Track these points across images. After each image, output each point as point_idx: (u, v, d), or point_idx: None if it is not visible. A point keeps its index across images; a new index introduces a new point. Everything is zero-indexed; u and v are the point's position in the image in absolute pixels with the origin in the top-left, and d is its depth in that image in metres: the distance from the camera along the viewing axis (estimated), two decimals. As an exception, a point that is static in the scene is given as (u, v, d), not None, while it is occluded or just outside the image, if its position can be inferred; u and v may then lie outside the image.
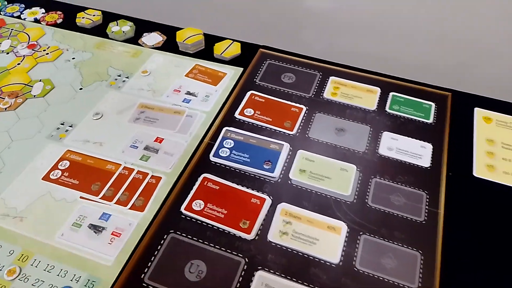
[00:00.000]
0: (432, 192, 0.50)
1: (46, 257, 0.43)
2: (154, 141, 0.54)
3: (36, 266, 0.42)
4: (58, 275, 0.41)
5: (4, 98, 0.60)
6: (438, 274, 0.43)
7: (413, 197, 0.49)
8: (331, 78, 0.64)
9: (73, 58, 0.67)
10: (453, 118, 0.58)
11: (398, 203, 0.49)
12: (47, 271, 0.42)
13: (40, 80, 0.63)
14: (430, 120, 0.58)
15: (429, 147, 0.55)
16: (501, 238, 0.46)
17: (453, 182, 0.51)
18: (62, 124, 0.56)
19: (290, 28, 0.89)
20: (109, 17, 0.74)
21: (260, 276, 0.42)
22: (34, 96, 0.60)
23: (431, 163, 0.53)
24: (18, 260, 0.43)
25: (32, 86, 0.62)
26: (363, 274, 0.42)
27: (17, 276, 0.41)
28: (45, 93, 0.61)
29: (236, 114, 0.58)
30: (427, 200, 0.49)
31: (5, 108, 0.58)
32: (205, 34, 0.69)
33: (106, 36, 0.71)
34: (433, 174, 0.52)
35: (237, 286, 0.41)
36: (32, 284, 0.41)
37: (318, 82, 0.63)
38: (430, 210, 0.48)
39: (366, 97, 0.61)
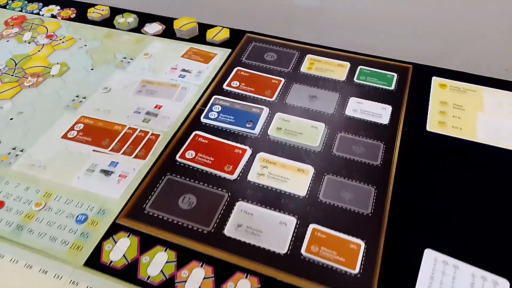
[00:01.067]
0: (388, 143, 0.59)
1: (65, 194, 0.52)
2: (154, 107, 0.64)
3: (57, 201, 0.52)
4: (75, 206, 0.51)
5: (27, 78, 0.70)
6: (388, 204, 0.51)
7: (372, 147, 0.58)
8: (308, 55, 0.73)
9: (85, 45, 0.77)
10: (412, 85, 0.67)
11: (359, 151, 0.58)
12: (67, 204, 0.51)
13: (57, 63, 0.73)
14: (392, 87, 0.67)
15: (389, 108, 0.64)
16: (444, 178, 0.54)
17: (407, 135, 0.60)
18: (76, 96, 0.67)
19: (277, 19, 0.99)
20: (115, 11, 0.84)
21: (240, 205, 0.51)
22: (53, 75, 0.71)
23: (389, 121, 0.62)
24: (43, 196, 0.52)
25: (50, 68, 0.72)
26: (325, 204, 0.51)
27: (43, 207, 0.51)
28: (62, 73, 0.71)
29: (224, 86, 0.68)
30: (384, 149, 0.58)
31: (29, 86, 0.69)
32: (198, 23, 0.79)
33: (113, 27, 0.81)
34: (390, 129, 0.61)
35: (221, 212, 0.50)
36: (55, 213, 0.50)
37: (296, 59, 0.73)
38: (385, 156, 0.57)
39: (337, 70, 0.70)
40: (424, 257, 0.46)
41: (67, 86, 0.69)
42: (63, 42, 0.78)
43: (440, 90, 0.67)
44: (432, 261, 0.46)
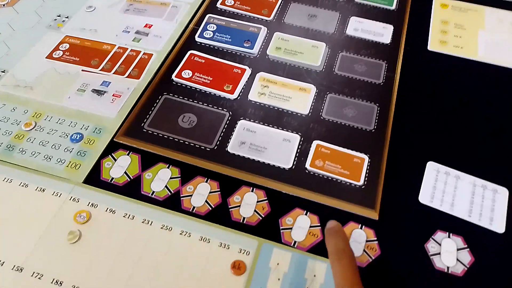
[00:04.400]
0: (390, 62, 0.57)
1: (57, 113, 0.50)
2: (144, 26, 0.60)
3: (49, 121, 0.49)
4: (69, 125, 0.49)
5: (1, -4, 0.64)
6: (391, 120, 0.51)
7: (374, 66, 0.56)
8: (305, -26, 0.69)
9: (62, -38, 0.70)
10: (413, 5, 0.65)
11: (361, 70, 0.56)
12: (59, 124, 0.49)
13: (32, -20, 0.67)
14: (393, 7, 0.64)
15: (390, 27, 0.61)
16: (445, 96, 0.54)
17: (409, 54, 0.58)
18: (58, 16, 0.61)
19: None
20: None
21: (242, 123, 0.50)
22: (29, -6, 0.65)
23: (391, 40, 0.60)
24: (33, 117, 0.49)
25: (26, -14, 0.66)
26: (328, 121, 0.51)
27: (33, 127, 0.48)
28: (39, -9, 0.65)
29: (218, 4, 0.64)
30: (386, 68, 0.56)
31: (4, 4, 0.63)
32: None
33: None
34: (392, 48, 0.59)
35: (223, 130, 0.49)
36: (47, 133, 0.48)
37: (293, -22, 0.69)
38: (387, 75, 0.56)
39: (337, -11, 0.67)
40: (427, 169, 0.47)
41: (46, 5, 0.63)
42: (36, -42, 0.71)
43: (442, 10, 0.65)
44: (435, 172, 0.46)
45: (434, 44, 0.60)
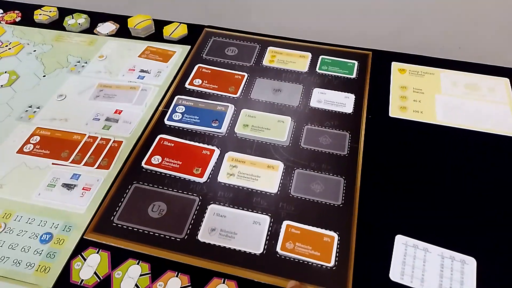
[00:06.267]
0: (353, 132, 0.59)
1: (26, 213, 0.50)
2: (114, 113, 0.61)
3: (18, 221, 0.49)
4: (38, 225, 0.49)
5: (-27, 90, 0.65)
6: (358, 193, 0.52)
7: (338, 137, 0.58)
8: (269, 48, 0.72)
9: (34, 51, 0.73)
10: (373, 72, 0.68)
11: (326, 142, 0.58)
12: (29, 223, 0.49)
13: (5, 72, 0.69)
14: (354, 76, 0.68)
15: (352, 97, 0.64)
16: (409, 163, 0.56)
17: (371, 122, 0.61)
18: (29, 107, 0.63)
19: (234, 10, 0.98)
20: (64, 12, 0.80)
21: (212, 208, 0.50)
22: (1, 86, 0.66)
23: (353, 109, 0.62)
24: (2, 217, 0.49)
25: (-2, 78, 0.68)
26: (297, 198, 0.51)
27: (3, 230, 0.48)
28: (11, 82, 0.67)
29: (186, 85, 0.66)
30: (350, 138, 0.58)
31: (-25, 98, 0.64)
32: (153, 19, 0.76)
33: (63, 29, 0.77)
34: (354, 117, 0.61)
35: (193, 217, 0.49)
36: (17, 234, 0.48)
37: (258, 52, 0.72)
38: (352, 146, 0.57)
39: (299, 61, 0.70)
40: (396, 243, 0.47)
41: (18, 96, 0.65)
42: (9, 48, 0.73)
43: (400, 75, 0.68)
44: (403, 246, 0.47)
45: (394, 111, 0.62)
